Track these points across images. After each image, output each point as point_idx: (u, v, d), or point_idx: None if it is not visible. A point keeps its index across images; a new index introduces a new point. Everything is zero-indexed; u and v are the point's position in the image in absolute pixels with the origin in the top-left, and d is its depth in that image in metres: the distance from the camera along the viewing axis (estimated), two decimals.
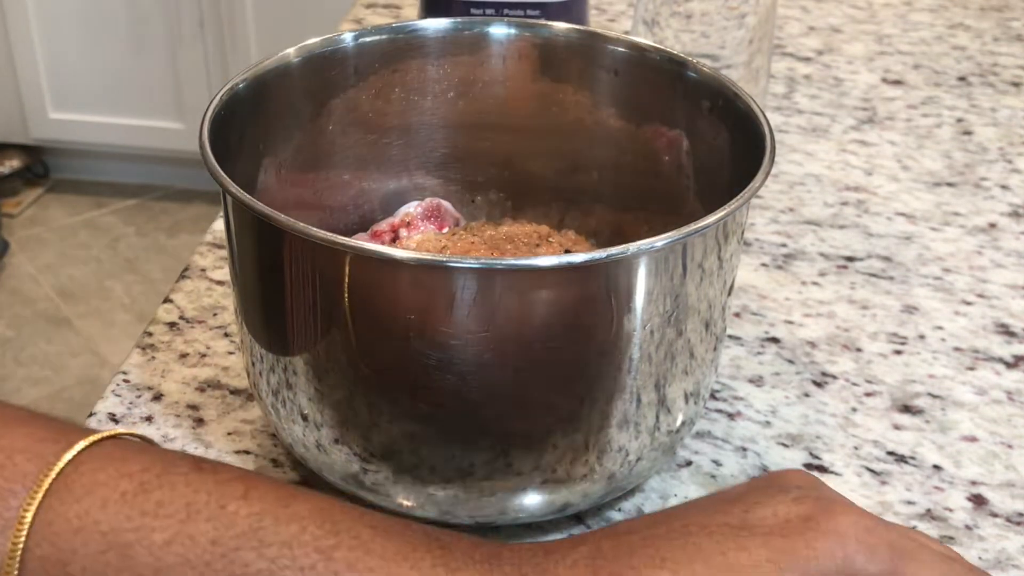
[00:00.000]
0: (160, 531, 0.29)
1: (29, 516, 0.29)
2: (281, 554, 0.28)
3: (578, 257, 0.34)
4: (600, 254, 0.34)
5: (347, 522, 0.30)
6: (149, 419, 0.46)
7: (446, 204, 0.50)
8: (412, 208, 0.50)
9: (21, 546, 0.28)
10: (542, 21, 0.53)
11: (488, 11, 0.63)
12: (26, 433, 0.30)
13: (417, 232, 0.49)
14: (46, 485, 0.29)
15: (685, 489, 0.44)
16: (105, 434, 0.31)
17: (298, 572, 0.28)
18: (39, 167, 2.31)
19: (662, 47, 0.48)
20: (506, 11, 0.63)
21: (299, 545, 0.29)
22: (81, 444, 0.30)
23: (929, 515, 0.43)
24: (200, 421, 0.46)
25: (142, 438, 0.34)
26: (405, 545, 0.29)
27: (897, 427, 0.48)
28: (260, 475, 0.31)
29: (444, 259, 0.34)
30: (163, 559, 0.28)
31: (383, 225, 0.50)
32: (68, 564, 0.29)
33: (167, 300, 0.54)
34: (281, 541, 0.28)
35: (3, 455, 0.30)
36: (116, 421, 0.45)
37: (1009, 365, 0.52)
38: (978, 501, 0.44)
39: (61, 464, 0.30)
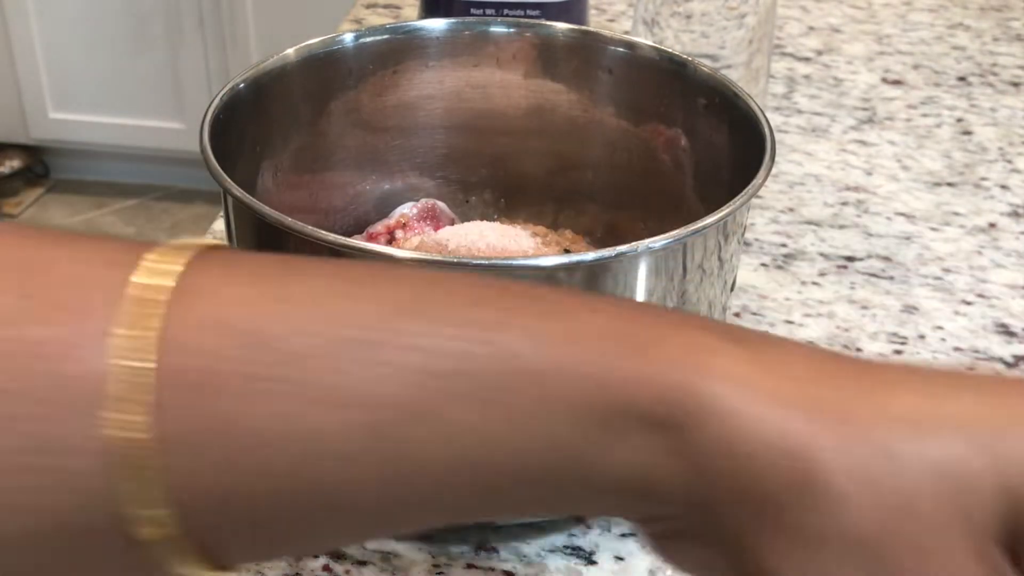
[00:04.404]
0: (317, 320, 0.24)
1: (149, 323, 0.23)
2: (460, 317, 0.24)
3: (587, 256, 0.34)
4: (608, 252, 0.34)
5: (523, 285, 0.25)
6: None
7: (441, 205, 0.50)
8: (407, 209, 0.50)
9: (153, 363, 0.23)
10: (541, 21, 0.53)
11: (488, 11, 0.63)
12: (100, 247, 0.25)
13: (413, 233, 0.49)
14: (166, 283, 0.24)
15: None
16: (201, 242, 0.26)
17: (485, 330, 0.24)
18: (39, 167, 2.31)
19: (661, 47, 0.48)
20: (506, 11, 0.63)
21: (478, 305, 0.24)
22: (186, 242, 0.25)
23: None
24: None
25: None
26: (592, 297, 0.26)
27: None
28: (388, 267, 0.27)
29: (445, 259, 0.34)
30: (321, 344, 0.23)
31: (379, 227, 0.50)
32: (212, 367, 0.23)
33: None
34: (459, 304, 0.24)
35: (91, 264, 0.25)
36: None
37: (1009, 365, 0.52)
38: None
39: (175, 263, 0.24)
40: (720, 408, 0.22)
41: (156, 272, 0.24)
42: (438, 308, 0.24)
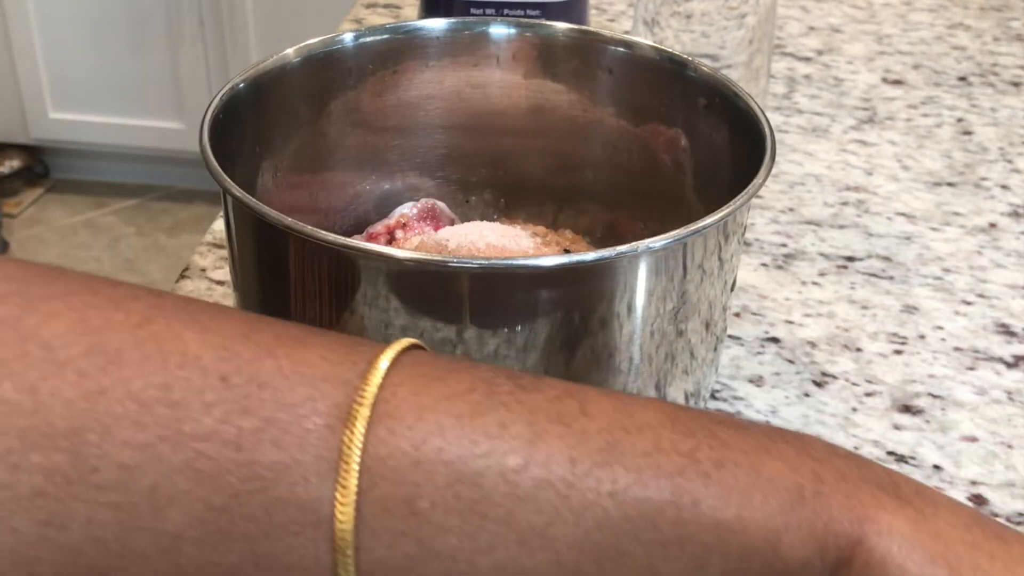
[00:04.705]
0: (511, 455, 0.25)
1: (356, 453, 0.25)
2: (645, 464, 0.25)
3: (587, 256, 0.34)
4: (608, 252, 0.34)
5: (697, 422, 0.27)
6: None
7: (441, 205, 0.50)
8: (407, 209, 0.50)
9: (354, 489, 0.24)
10: (541, 21, 0.53)
11: (488, 11, 0.63)
12: (320, 356, 0.26)
13: (413, 233, 0.49)
14: (367, 413, 0.25)
15: None
16: (399, 347, 0.27)
17: (668, 479, 0.25)
18: (39, 167, 2.31)
19: (661, 47, 0.48)
20: (506, 11, 0.63)
21: (660, 452, 0.26)
22: (384, 362, 0.26)
23: None
24: None
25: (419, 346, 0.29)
26: (762, 438, 0.27)
27: (897, 427, 0.48)
28: (583, 387, 0.28)
29: (445, 259, 0.34)
30: (520, 485, 0.25)
31: (378, 227, 0.50)
32: (414, 502, 0.25)
33: None
34: (642, 451, 0.26)
35: (308, 385, 0.25)
36: None
37: (1009, 365, 0.52)
38: (978, 501, 0.44)
39: (373, 388, 0.25)
40: (890, 564, 0.25)
41: (363, 400, 0.25)
42: (627, 453, 0.26)
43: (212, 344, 0.26)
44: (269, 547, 0.25)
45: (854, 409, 0.49)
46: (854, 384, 0.50)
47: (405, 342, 0.27)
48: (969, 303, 0.57)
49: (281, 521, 0.25)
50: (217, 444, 0.25)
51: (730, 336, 0.53)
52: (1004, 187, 0.68)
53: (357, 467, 0.24)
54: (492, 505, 0.25)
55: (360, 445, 0.25)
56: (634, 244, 0.34)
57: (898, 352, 0.53)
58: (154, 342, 0.26)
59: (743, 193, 0.37)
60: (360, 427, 0.25)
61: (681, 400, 0.40)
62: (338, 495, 0.24)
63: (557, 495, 0.25)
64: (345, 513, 0.24)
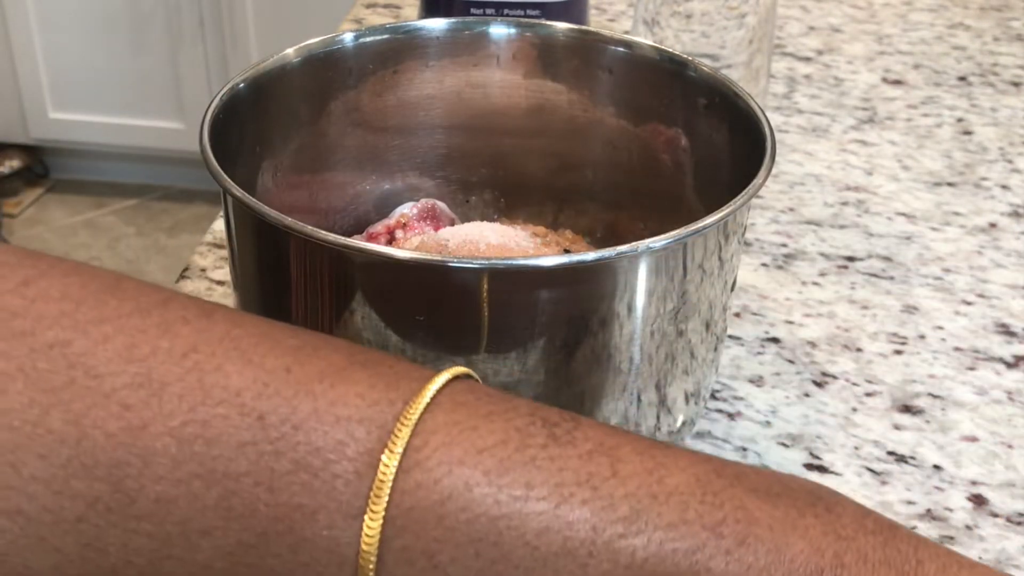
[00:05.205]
0: (534, 518, 0.25)
1: (383, 503, 0.25)
2: (668, 537, 0.25)
3: (587, 256, 0.34)
4: (608, 252, 0.34)
5: (728, 491, 0.27)
6: None
7: (441, 205, 0.50)
8: (407, 209, 0.50)
9: (377, 536, 0.25)
10: (541, 21, 0.53)
11: (488, 11, 0.63)
12: (357, 394, 0.27)
13: (413, 233, 0.49)
14: (396, 463, 0.25)
15: None
16: (441, 381, 0.27)
17: (687, 555, 0.25)
18: (39, 167, 2.31)
19: (661, 47, 0.48)
20: (506, 11, 0.63)
21: (685, 524, 0.26)
22: (422, 403, 0.26)
23: (929, 515, 0.43)
24: None
25: (468, 375, 0.29)
26: (792, 510, 0.27)
27: (897, 427, 0.48)
28: (619, 439, 0.27)
29: (446, 260, 0.34)
30: (539, 550, 0.25)
31: (378, 227, 0.50)
32: (434, 555, 0.25)
33: None
34: (666, 523, 0.26)
35: (342, 429, 0.26)
36: None
37: (1009, 365, 0.52)
38: (978, 501, 0.44)
39: (405, 435, 0.26)
40: None
41: (394, 448, 0.26)
42: (651, 524, 0.26)
43: (253, 379, 0.26)
44: None
45: (854, 409, 0.49)
46: (854, 384, 0.50)
47: (451, 373, 0.28)
48: (969, 303, 0.57)
49: (306, 560, 0.26)
50: (249, 484, 0.25)
51: (730, 336, 0.53)
52: (1004, 187, 0.68)
53: (382, 517, 0.25)
54: (510, 567, 0.25)
55: (387, 496, 0.25)
56: (634, 244, 0.34)
57: (898, 352, 0.53)
58: (197, 374, 0.26)
59: (743, 193, 0.37)
60: (388, 477, 0.25)
61: (681, 401, 0.40)
62: (363, 543, 0.25)
63: (575, 563, 0.25)
64: (368, 559, 0.25)
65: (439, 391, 0.27)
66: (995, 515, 0.44)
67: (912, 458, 0.46)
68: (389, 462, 0.25)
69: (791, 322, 0.54)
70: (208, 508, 0.25)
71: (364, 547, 0.25)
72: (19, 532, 0.26)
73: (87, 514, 0.26)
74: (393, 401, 0.26)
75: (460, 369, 0.28)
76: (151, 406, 0.26)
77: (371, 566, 0.25)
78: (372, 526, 0.25)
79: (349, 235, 0.50)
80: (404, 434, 0.26)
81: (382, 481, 0.25)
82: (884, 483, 0.45)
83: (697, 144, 0.46)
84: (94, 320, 0.27)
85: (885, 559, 0.26)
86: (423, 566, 0.25)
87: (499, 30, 0.49)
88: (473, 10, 0.63)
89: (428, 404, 0.26)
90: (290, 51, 0.45)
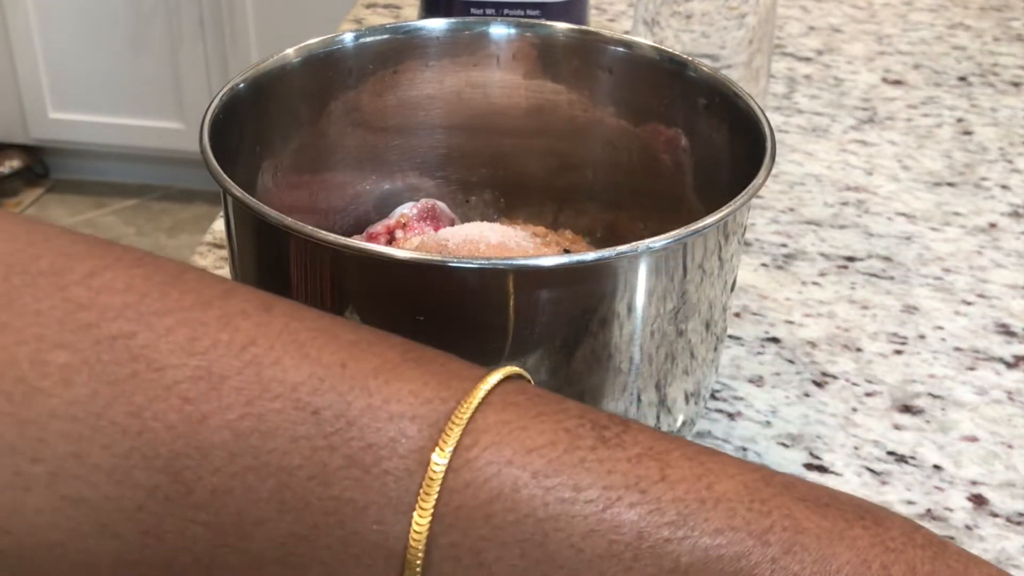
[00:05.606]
0: (581, 521, 0.25)
1: (432, 500, 0.25)
2: (713, 543, 0.25)
3: (587, 256, 0.34)
4: (608, 252, 0.34)
5: (777, 499, 0.26)
6: None
7: (441, 205, 0.50)
8: (407, 209, 0.50)
9: (425, 532, 0.25)
10: (541, 21, 0.53)
11: (488, 11, 0.63)
12: (411, 391, 0.27)
13: (413, 233, 0.49)
14: (446, 462, 0.26)
15: None
16: (494, 380, 0.27)
17: (733, 562, 0.25)
18: (39, 167, 2.31)
19: (661, 47, 0.48)
20: (506, 11, 0.63)
21: (732, 531, 0.25)
22: (474, 401, 0.27)
23: (929, 515, 0.43)
24: None
25: (520, 375, 0.29)
26: (840, 521, 0.26)
27: (897, 427, 0.48)
28: (668, 444, 0.27)
29: (446, 260, 0.34)
30: (584, 552, 0.25)
31: (378, 227, 0.50)
32: (480, 553, 0.25)
33: None
34: (713, 529, 0.25)
35: (395, 426, 0.26)
36: None
37: (1009, 365, 0.52)
38: (978, 501, 0.44)
39: (456, 434, 0.26)
40: None
41: (445, 447, 0.26)
42: (697, 530, 0.26)
43: (309, 374, 0.27)
44: (344, 573, 0.26)
45: (854, 409, 0.49)
46: (854, 384, 0.50)
47: (503, 372, 0.28)
48: (969, 303, 0.57)
49: (356, 553, 0.26)
50: (303, 478, 0.26)
51: (730, 336, 0.53)
52: (1004, 187, 0.68)
53: (431, 514, 0.25)
54: (555, 567, 0.25)
55: (437, 494, 0.25)
56: (634, 244, 0.34)
57: (898, 352, 0.53)
58: (255, 368, 0.27)
59: (743, 193, 0.37)
60: (439, 475, 0.26)
61: (681, 401, 0.40)
62: (411, 539, 0.25)
63: (620, 566, 0.25)
64: (415, 554, 0.25)
65: (491, 391, 0.27)
66: (995, 515, 0.44)
67: (912, 458, 0.46)
68: (440, 460, 0.26)
69: (791, 322, 0.55)
70: (262, 500, 0.26)
71: (412, 543, 0.25)
72: (82, 519, 0.26)
73: (146, 503, 0.26)
74: (445, 400, 0.27)
75: (512, 369, 0.29)
76: (210, 400, 0.26)
77: (418, 561, 0.25)
78: (421, 523, 0.25)
79: (349, 235, 0.50)
80: (455, 433, 0.26)
81: (432, 479, 0.25)
82: (884, 483, 0.45)
83: (697, 144, 0.46)
84: (157, 312, 0.27)
85: (934, 572, 0.25)
86: (469, 563, 0.25)
87: (499, 30, 0.49)
88: (473, 10, 0.63)
89: (479, 404, 0.27)
90: (290, 51, 0.45)
